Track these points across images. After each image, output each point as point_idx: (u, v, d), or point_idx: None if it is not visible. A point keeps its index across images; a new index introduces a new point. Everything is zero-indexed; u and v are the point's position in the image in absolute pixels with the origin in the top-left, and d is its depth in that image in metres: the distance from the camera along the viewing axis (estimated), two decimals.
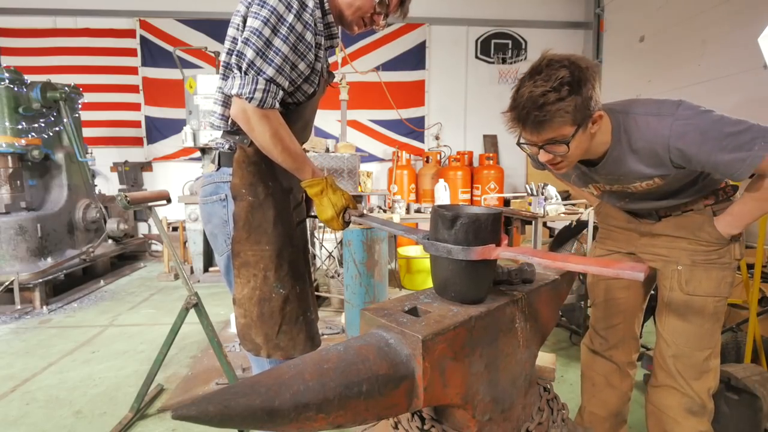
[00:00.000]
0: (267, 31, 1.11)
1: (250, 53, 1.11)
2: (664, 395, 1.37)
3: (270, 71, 1.13)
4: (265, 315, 1.26)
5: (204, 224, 1.41)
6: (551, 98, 1.01)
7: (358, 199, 4.14)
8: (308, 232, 2.74)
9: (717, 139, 1.06)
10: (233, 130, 1.28)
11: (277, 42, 1.13)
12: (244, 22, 1.18)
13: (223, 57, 1.26)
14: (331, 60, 1.34)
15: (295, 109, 1.30)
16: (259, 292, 1.26)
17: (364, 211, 1.62)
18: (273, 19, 1.11)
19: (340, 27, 1.34)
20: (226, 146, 1.32)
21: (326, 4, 1.26)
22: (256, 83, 1.11)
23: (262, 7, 1.11)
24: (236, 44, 1.18)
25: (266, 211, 1.27)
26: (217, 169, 1.32)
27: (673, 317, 1.33)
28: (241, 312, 1.28)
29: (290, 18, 1.13)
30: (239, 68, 1.13)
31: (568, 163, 1.17)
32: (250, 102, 1.12)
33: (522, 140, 1.14)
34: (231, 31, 1.22)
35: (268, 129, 1.15)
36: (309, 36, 1.19)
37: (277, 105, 1.16)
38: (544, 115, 1.03)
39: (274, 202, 1.30)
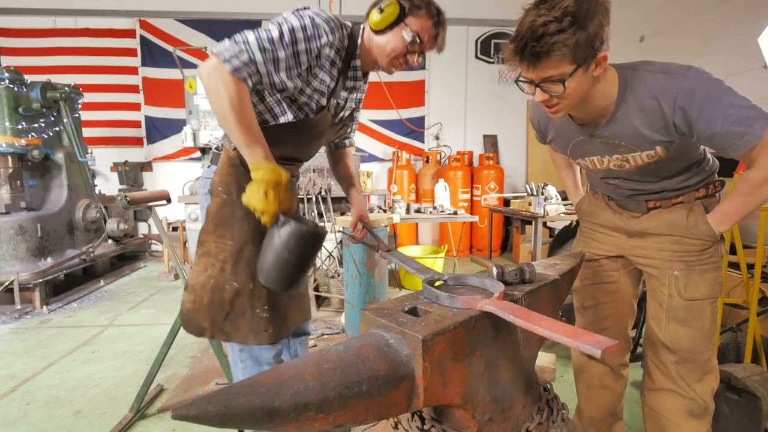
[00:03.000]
0: (275, 33, 1.16)
1: (251, 37, 1.14)
2: (664, 398, 1.35)
3: (258, 56, 1.14)
4: (215, 303, 1.34)
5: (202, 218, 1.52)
6: (551, 29, 0.94)
7: None
8: None
9: (721, 107, 1.03)
10: None
11: (281, 45, 1.17)
12: None
13: None
14: None
15: (304, 119, 1.36)
16: (214, 282, 1.34)
17: (366, 219, 1.65)
18: (286, 28, 1.17)
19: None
20: (215, 146, 1.44)
21: (358, 50, 1.36)
22: (241, 53, 1.12)
23: (283, 22, 1.18)
24: None
25: (236, 210, 1.32)
26: (209, 167, 1.44)
27: (674, 324, 1.31)
28: (191, 298, 1.35)
29: (301, 36, 1.19)
30: (233, 39, 1.15)
31: (564, 107, 1.10)
32: (224, 63, 1.10)
33: (521, 78, 1.06)
34: None
35: (232, 93, 1.12)
36: (304, 59, 1.23)
37: (250, 84, 1.16)
38: (541, 47, 0.95)
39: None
